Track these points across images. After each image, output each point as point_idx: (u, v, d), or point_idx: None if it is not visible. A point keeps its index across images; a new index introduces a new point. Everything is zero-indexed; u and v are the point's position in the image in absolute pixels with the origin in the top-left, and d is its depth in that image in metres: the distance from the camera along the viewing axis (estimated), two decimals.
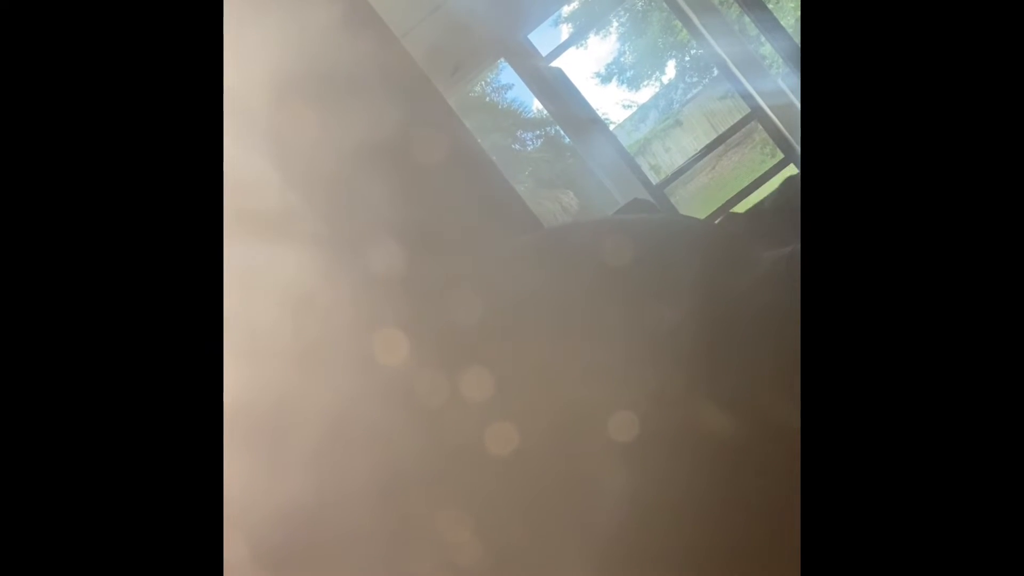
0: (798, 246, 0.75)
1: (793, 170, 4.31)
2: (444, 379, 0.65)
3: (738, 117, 5.06)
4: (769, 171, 4.42)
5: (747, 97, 4.46)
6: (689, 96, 15.21)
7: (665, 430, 0.63)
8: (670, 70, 15.54)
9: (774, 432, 0.63)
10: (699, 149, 5.68)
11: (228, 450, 0.55)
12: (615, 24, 15.10)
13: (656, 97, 15.70)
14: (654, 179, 5.02)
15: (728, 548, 0.62)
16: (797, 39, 3.74)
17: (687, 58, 15.15)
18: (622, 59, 15.50)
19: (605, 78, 15.64)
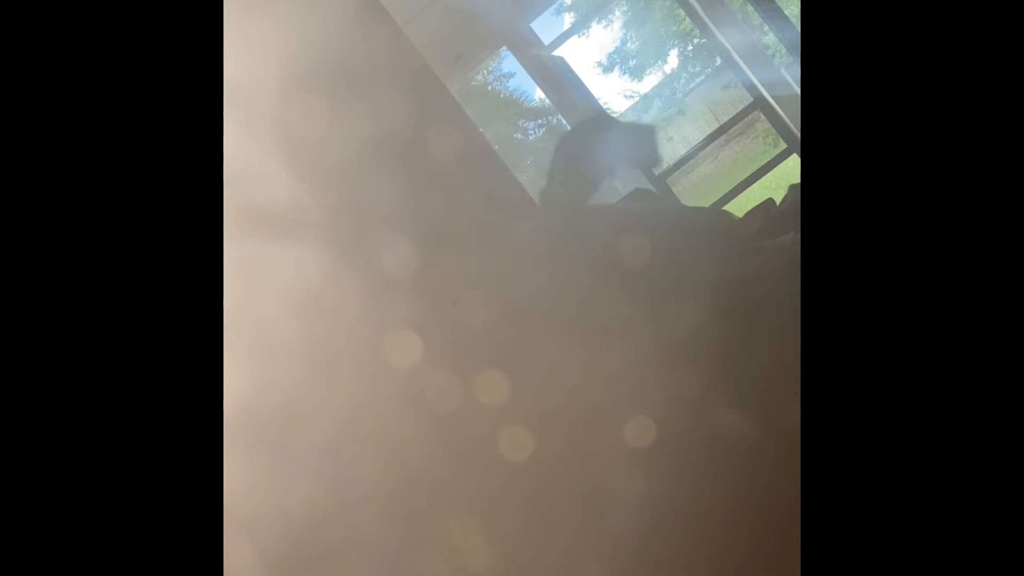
0: (798, 235, 0.74)
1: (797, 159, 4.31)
2: (456, 381, 0.64)
3: (741, 107, 5.05)
4: (771, 161, 4.42)
5: (750, 87, 4.45)
6: (692, 86, 15.20)
7: (680, 434, 0.62)
8: (673, 59, 15.53)
9: (790, 437, 0.62)
10: (702, 139, 5.67)
11: (235, 453, 0.54)
12: (618, 13, 15.07)
13: (659, 86, 15.69)
14: (656, 169, 5.00)
15: (743, 553, 0.61)
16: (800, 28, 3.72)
17: (690, 47, 15.12)
18: (625, 48, 15.47)
19: (607, 67, 15.62)
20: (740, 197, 4.34)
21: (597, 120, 1.12)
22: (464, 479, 0.63)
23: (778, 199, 0.90)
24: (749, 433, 0.64)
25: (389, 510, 0.62)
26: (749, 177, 4.45)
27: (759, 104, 4.43)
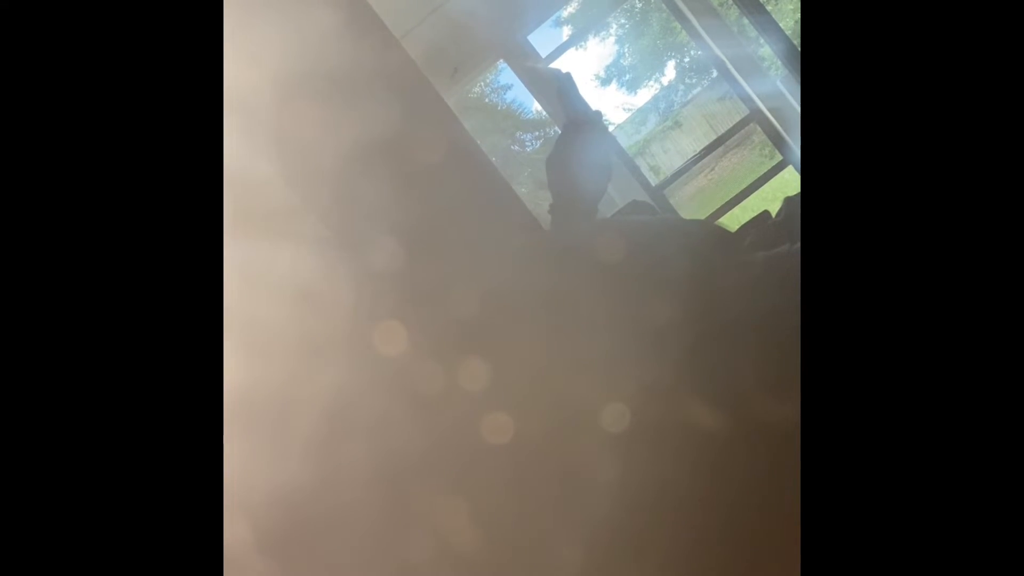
0: (796, 246, 0.75)
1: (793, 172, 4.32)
2: (440, 370, 0.66)
3: (737, 119, 5.06)
4: (767, 172, 4.41)
5: (746, 99, 4.46)
6: (688, 98, 15.23)
7: (654, 423, 0.64)
8: (669, 71, 15.58)
9: (758, 427, 0.64)
10: (698, 150, 5.67)
11: (231, 437, 0.57)
12: (614, 26, 15.13)
13: (655, 99, 15.73)
14: (653, 180, 5.02)
15: (712, 537, 0.64)
16: (795, 41, 3.76)
17: (686, 59, 15.18)
18: (621, 61, 15.53)
19: (605, 80, 15.67)
20: (736, 209, 4.34)
21: (577, 125, 1.10)
22: (447, 461, 0.65)
23: (773, 211, 0.90)
24: (724, 425, 0.66)
25: (376, 489, 0.64)
26: (744, 190, 4.45)
27: (755, 116, 4.44)
